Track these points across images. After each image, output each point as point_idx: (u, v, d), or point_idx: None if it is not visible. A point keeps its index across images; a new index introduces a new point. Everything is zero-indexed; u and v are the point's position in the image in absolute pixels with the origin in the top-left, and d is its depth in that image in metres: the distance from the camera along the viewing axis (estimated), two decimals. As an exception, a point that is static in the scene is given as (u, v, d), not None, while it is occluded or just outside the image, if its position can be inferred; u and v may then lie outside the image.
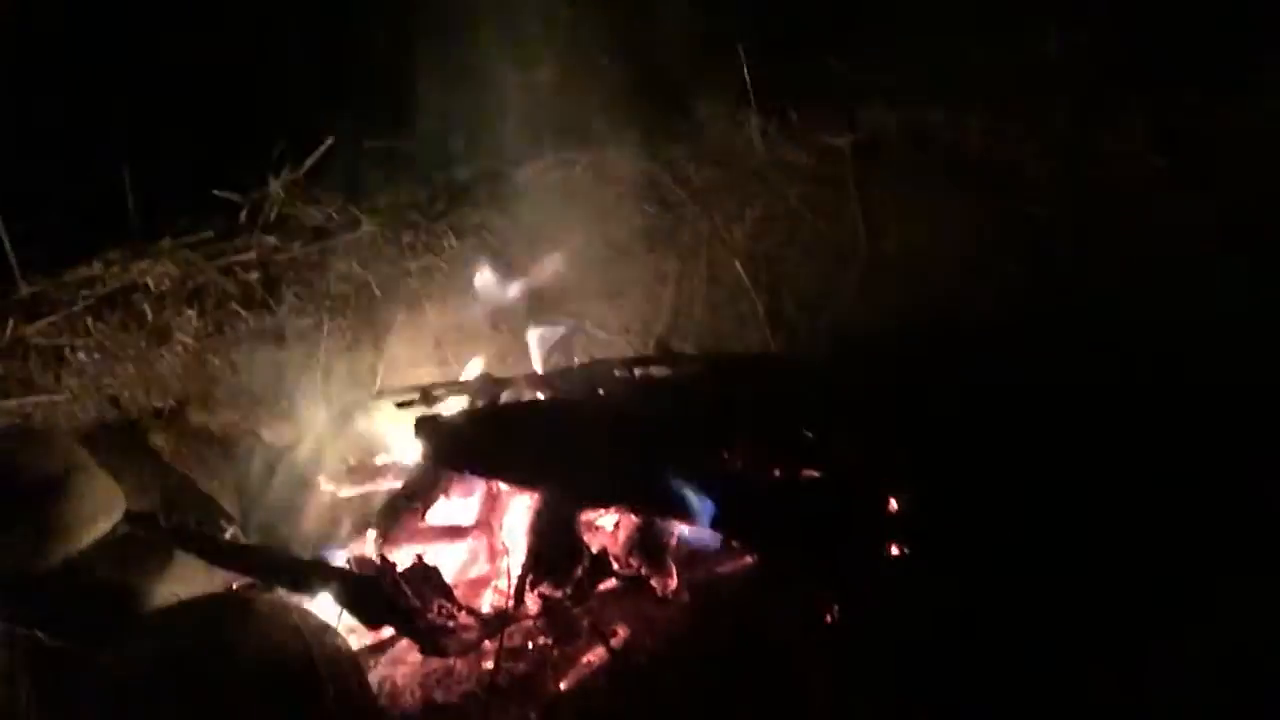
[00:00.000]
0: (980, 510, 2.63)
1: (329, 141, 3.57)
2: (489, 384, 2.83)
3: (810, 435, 2.85)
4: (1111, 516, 2.59)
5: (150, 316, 3.11)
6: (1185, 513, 2.55)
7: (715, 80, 3.94)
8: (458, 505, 2.66)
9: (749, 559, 2.55)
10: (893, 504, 2.65)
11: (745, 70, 3.87)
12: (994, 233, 3.41)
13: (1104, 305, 3.24)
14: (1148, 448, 2.75)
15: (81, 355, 3.01)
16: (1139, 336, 3.07)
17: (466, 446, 2.57)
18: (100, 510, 2.65)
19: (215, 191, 3.47)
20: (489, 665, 2.39)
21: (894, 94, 3.79)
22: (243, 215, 3.46)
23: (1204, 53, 3.65)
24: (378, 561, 2.42)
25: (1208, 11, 3.68)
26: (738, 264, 3.68)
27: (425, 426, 2.59)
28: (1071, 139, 3.53)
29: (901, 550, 2.55)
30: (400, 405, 2.92)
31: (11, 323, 3.00)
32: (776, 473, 2.75)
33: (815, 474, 2.73)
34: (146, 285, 3.17)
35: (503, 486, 2.60)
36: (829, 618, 2.35)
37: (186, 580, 2.67)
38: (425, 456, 2.59)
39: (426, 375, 3.46)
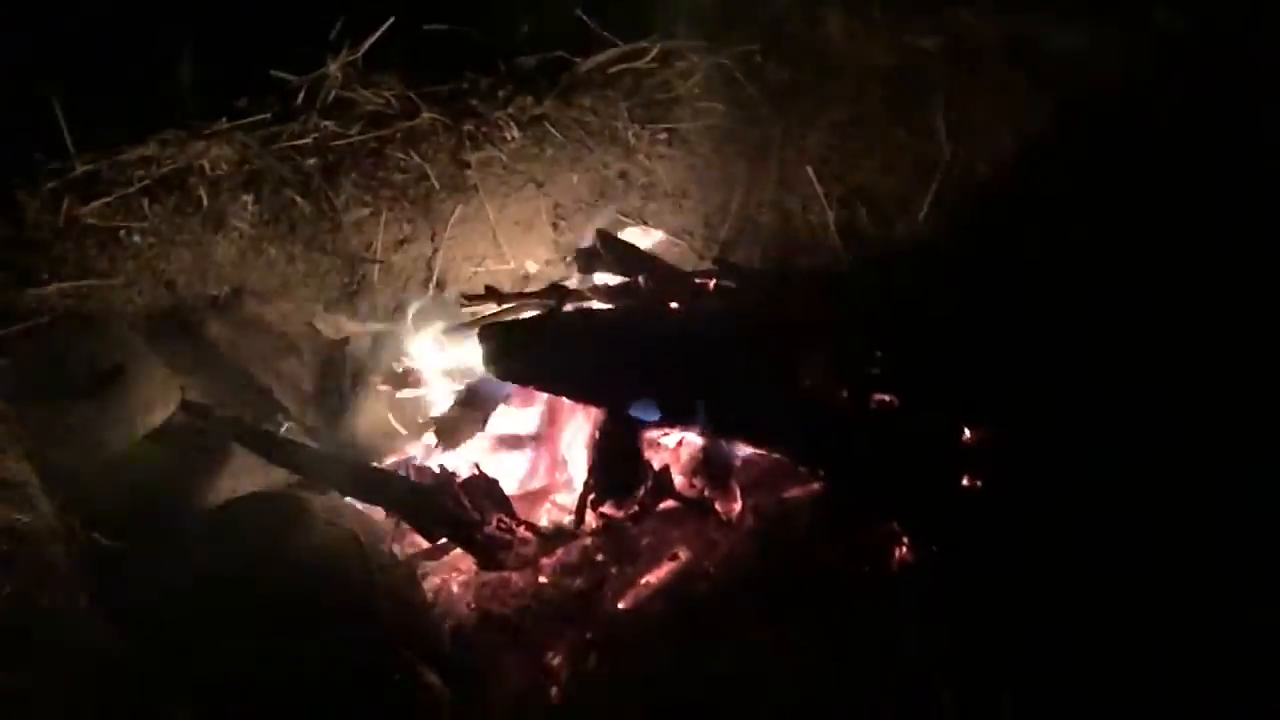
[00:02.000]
0: (1061, 444, 2.53)
1: (389, 22, 3.40)
2: (553, 292, 2.74)
3: (881, 357, 2.74)
4: (1207, 453, 2.48)
5: (206, 201, 3.02)
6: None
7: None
8: (518, 415, 2.60)
9: (816, 486, 2.48)
10: (967, 434, 2.56)
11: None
12: (1088, 150, 3.20)
13: (1205, 232, 3.06)
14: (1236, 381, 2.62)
15: (137, 238, 2.94)
16: (1241, 264, 2.90)
17: (528, 358, 2.49)
18: (157, 400, 2.63)
19: (272, 72, 3.33)
20: (545, 580, 2.37)
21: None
22: (299, 98, 3.32)
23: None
24: (437, 470, 2.37)
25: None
26: (810, 170, 3.51)
27: (487, 334, 2.51)
28: (1187, 51, 3.28)
29: (974, 484, 2.47)
30: (464, 304, 2.84)
31: (68, 201, 2.92)
32: (845, 395, 2.65)
33: (886, 399, 2.64)
34: (202, 168, 3.07)
35: (565, 402, 2.53)
36: (898, 553, 2.29)
37: (243, 474, 2.66)
38: (486, 365, 2.51)
39: (485, 271, 3.38)
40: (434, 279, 3.31)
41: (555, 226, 3.45)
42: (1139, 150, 3.22)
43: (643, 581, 2.35)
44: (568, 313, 2.72)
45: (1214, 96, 3.24)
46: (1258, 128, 3.08)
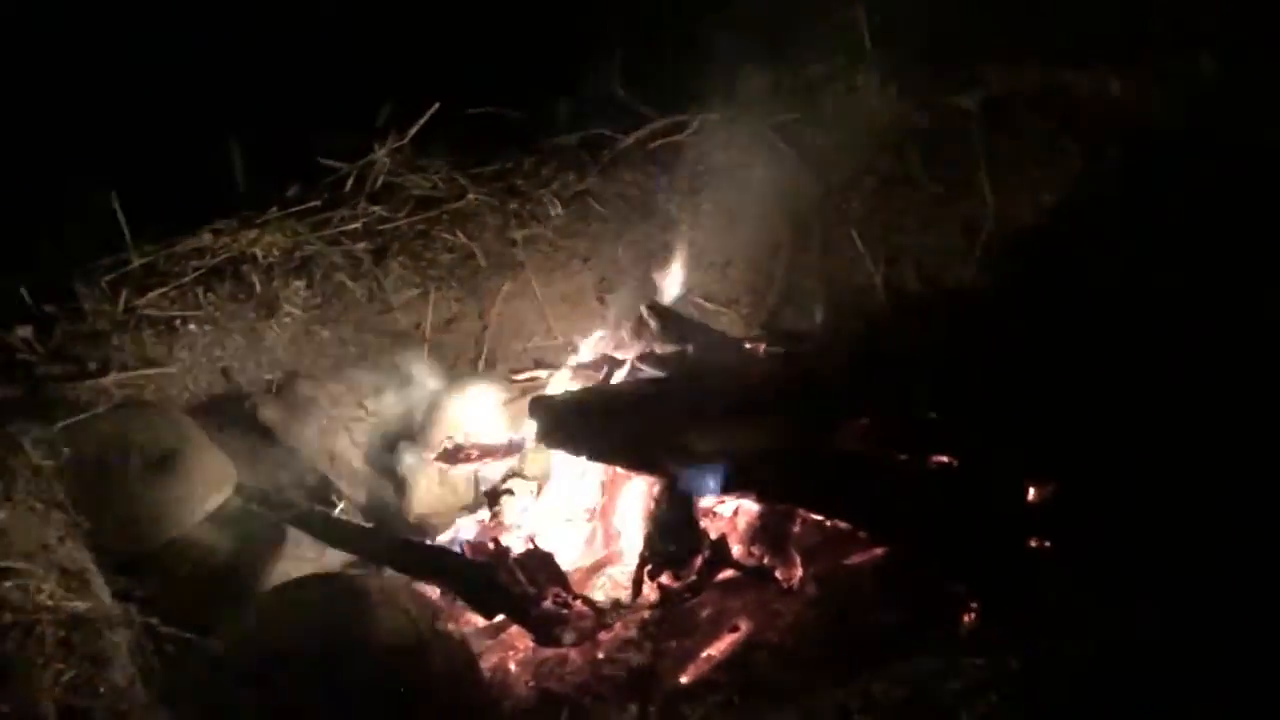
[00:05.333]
0: (1127, 500, 2.45)
1: (434, 108, 3.48)
2: (603, 362, 2.74)
3: (937, 418, 2.69)
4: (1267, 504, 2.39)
5: (259, 288, 3.07)
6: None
7: (832, 37, 3.73)
8: (573, 488, 2.58)
9: (879, 550, 2.42)
10: (1031, 493, 2.50)
11: (864, 25, 3.67)
12: (1133, 200, 3.17)
13: (1253, 279, 3.00)
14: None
15: (192, 327, 2.99)
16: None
17: (580, 428, 2.48)
18: (213, 485, 2.64)
19: (321, 160, 3.41)
20: (603, 656, 2.32)
21: (1026, 51, 3.54)
22: (349, 184, 3.40)
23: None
24: (491, 546, 2.35)
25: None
26: (854, 233, 3.51)
27: (538, 406, 2.51)
28: (1219, 100, 3.25)
29: (1042, 544, 2.39)
30: (513, 379, 2.85)
31: (125, 293, 2.98)
32: (903, 458, 2.60)
33: (945, 460, 2.58)
34: (255, 256, 3.13)
35: (620, 473, 2.51)
36: (967, 618, 2.21)
37: (299, 557, 2.66)
38: (538, 438, 2.50)
39: (533, 346, 3.40)
40: (483, 356, 3.34)
41: (602, 300, 3.47)
42: (1178, 192, 3.18)
43: (703, 655, 2.29)
44: (618, 383, 2.71)
45: (1249, 138, 3.21)
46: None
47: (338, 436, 2.95)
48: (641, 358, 2.77)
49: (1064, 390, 2.69)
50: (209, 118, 3.30)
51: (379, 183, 3.42)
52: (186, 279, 3.07)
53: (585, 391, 2.68)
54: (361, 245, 3.27)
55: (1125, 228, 3.18)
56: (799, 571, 2.36)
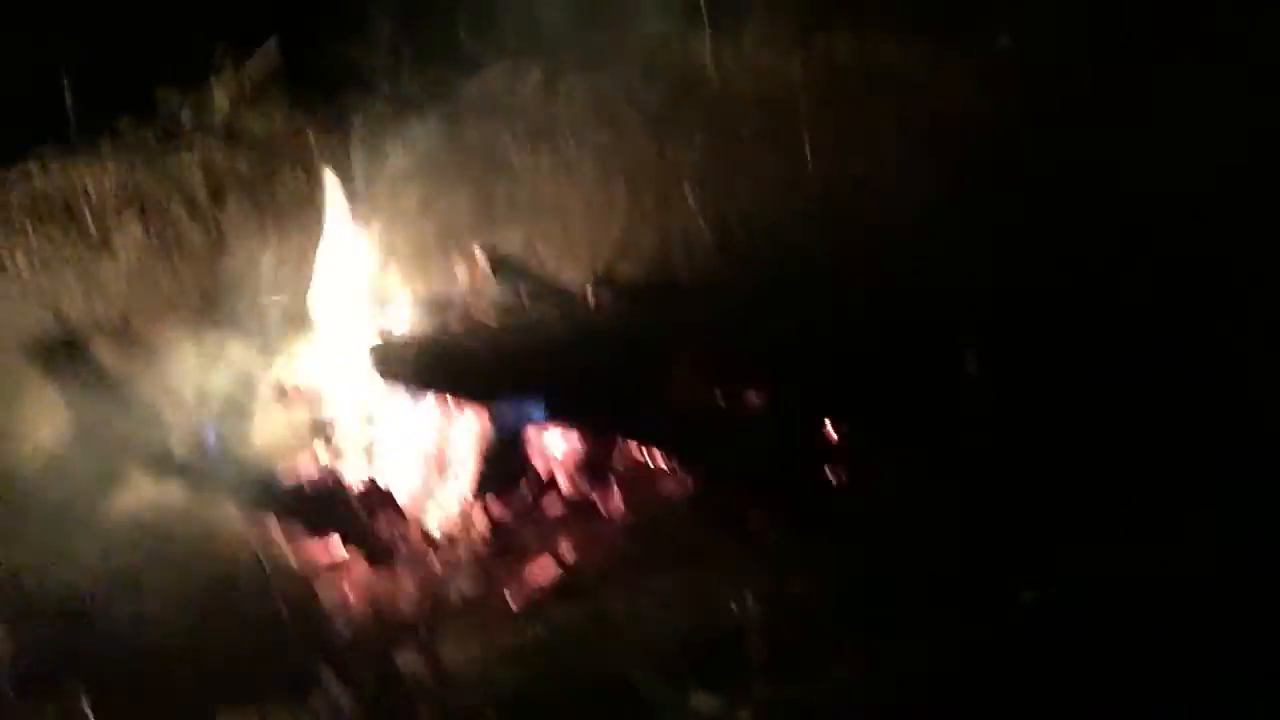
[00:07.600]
0: (914, 439, 2.73)
1: (271, 42, 3.47)
2: (439, 307, 2.85)
3: (753, 364, 2.92)
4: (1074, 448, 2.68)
5: (92, 224, 3.04)
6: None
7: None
8: (408, 426, 2.70)
9: (690, 481, 2.63)
10: (830, 433, 2.75)
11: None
12: (945, 164, 3.43)
13: (1054, 231, 3.30)
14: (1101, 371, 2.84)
15: (20, 258, 2.95)
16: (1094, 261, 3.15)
17: (416, 368, 2.60)
18: (45, 423, 2.65)
19: (158, 89, 3.37)
20: (437, 581, 2.46)
21: (849, 22, 3.77)
22: (185, 120, 3.37)
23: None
24: (327, 478, 2.46)
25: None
26: (686, 189, 3.68)
27: (377, 348, 2.62)
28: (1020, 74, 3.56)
29: (840, 478, 2.65)
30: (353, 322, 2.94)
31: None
32: (718, 398, 2.82)
33: (756, 401, 2.81)
34: (86, 191, 3.10)
35: (451, 408, 2.64)
36: (766, 539, 2.45)
37: (136, 496, 2.69)
38: (376, 375, 2.61)
39: (374, 288, 3.46)
40: (322, 296, 3.38)
41: (442, 247, 3.55)
42: (993, 159, 3.47)
43: (532, 578, 2.46)
44: (454, 327, 2.84)
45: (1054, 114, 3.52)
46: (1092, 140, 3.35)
47: (175, 374, 2.97)
48: (475, 300, 2.90)
49: (868, 340, 2.95)
50: (35, 36, 3.20)
51: (217, 120, 3.40)
52: (12, 210, 3.02)
53: (422, 334, 2.80)
54: (198, 182, 3.27)
55: (938, 194, 3.46)
56: (617, 499, 2.55)
